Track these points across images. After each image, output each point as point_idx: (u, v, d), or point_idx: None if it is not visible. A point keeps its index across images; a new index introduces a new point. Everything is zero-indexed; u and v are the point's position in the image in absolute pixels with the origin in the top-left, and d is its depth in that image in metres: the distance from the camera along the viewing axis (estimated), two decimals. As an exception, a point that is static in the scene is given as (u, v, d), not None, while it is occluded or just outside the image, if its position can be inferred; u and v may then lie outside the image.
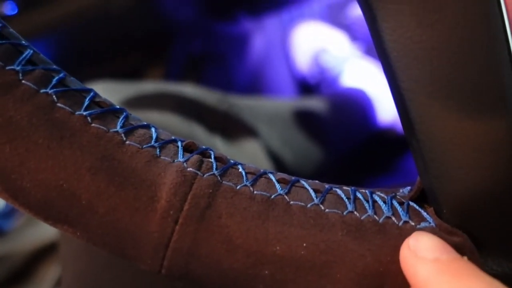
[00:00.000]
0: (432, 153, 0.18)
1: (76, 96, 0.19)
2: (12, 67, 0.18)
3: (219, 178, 0.19)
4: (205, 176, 0.19)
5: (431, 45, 0.16)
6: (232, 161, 0.20)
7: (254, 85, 0.78)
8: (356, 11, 0.84)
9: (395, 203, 0.20)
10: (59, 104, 0.18)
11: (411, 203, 0.20)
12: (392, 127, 0.72)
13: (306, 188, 0.20)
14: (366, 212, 0.19)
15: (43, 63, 0.19)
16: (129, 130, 0.19)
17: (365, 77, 0.74)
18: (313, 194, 0.20)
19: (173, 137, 0.20)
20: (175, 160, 0.19)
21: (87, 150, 0.18)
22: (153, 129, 0.20)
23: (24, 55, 0.18)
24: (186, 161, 0.19)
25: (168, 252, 0.19)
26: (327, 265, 0.18)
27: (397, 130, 0.72)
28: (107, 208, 0.18)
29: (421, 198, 0.20)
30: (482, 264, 0.18)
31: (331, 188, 0.20)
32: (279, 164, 0.50)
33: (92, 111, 0.19)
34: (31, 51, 0.19)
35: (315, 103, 0.63)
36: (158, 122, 0.40)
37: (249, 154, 0.46)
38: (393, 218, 0.19)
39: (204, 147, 0.20)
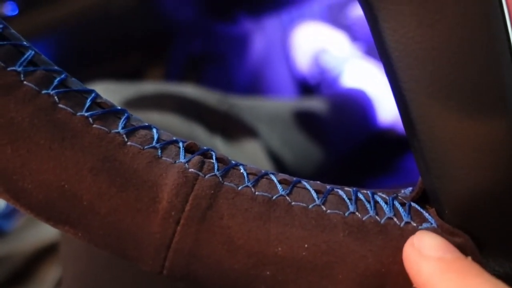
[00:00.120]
0: (433, 153, 0.18)
1: (78, 97, 0.19)
2: (13, 68, 0.18)
3: (220, 179, 0.19)
4: (206, 177, 0.19)
5: (432, 45, 0.16)
6: (233, 162, 0.20)
7: (254, 85, 0.78)
8: (356, 12, 0.84)
9: (396, 204, 0.20)
10: (60, 105, 0.18)
11: (413, 204, 0.20)
12: (392, 127, 0.72)
13: (307, 189, 0.20)
14: (368, 213, 0.19)
15: (45, 64, 0.19)
16: (131, 131, 0.19)
17: (365, 77, 0.75)
18: (314, 195, 0.20)
19: (174, 138, 0.20)
20: (177, 161, 0.19)
21: (89, 151, 0.18)
22: (154, 130, 0.20)
23: (25, 56, 0.18)
24: (187, 162, 0.19)
25: (169, 253, 0.19)
26: (329, 266, 0.18)
27: (397, 130, 0.72)
28: (109, 209, 0.18)
29: (423, 198, 0.20)
30: (483, 264, 0.18)
31: (332, 189, 0.20)
32: (279, 164, 0.50)
33: (94, 112, 0.19)
34: (33, 52, 0.19)
35: (315, 104, 0.63)
36: (159, 122, 0.40)
37: (249, 154, 0.46)
38: (395, 219, 0.19)
39: (205, 148, 0.20)
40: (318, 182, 0.21)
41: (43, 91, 0.18)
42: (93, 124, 0.18)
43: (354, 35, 0.83)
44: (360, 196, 0.20)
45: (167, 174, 0.19)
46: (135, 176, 0.18)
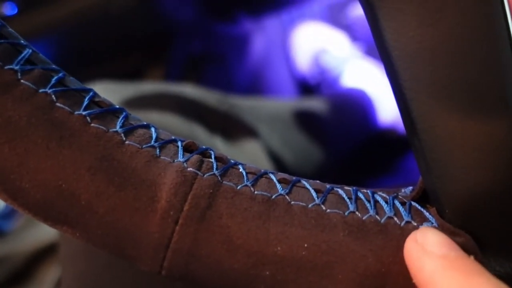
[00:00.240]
0: (434, 152, 0.18)
1: (76, 96, 0.19)
2: (10, 66, 0.18)
3: (219, 178, 0.19)
4: (205, 176, 0.19)
5: (432, 45, 0.16)
6: (232, 161, 0.20)
7: (254, 85, 0.77)
8: (356, 12, 0.84)
9: (397, 203, 0.20)
10: (58, 104, 0.18)
11: (413, 203, 0.20)
12: (393, 127, 0.72)
13: (307, 188, 0.20)
14: (368, 212, 0.19)
15: (42, 63, 0.19)
16: (129, 130, 0.19)
17: (365, 77, 0.74)
18: (314, 194, 0.19)
19: (173, 137, 0.20)
20: (175, 160, 0.19)
21: (87, 150, 0.18)
22: (153, 129, 0.20)
23: (23, 55, 0.18)
24: (186, 161, 0.19)
25: (168, 253, 0.19)
26: (329, 265, 0.18)
27: (398, 130, 0.72)
28: (107, 208, 0.18)
29: (423, 198, 0.20)
30: (485, 264, 0.18)
31: (332, 188, 0.20)
32: (279, 164, 0.50)
33: (92, 111, 0.19)
34: (30, 51, 0.19)
35: (316, 104, 0.63)
36: (158, 122, 0.40)
37: (249, 154, 0.46)
38: (395, 218, 0.19)
39: (204, 147, 0.20)
40: (318, 181, 0.21)
41: (41, 90, 0.18)
42: (91, 123, 0.18)
43: (354, 35, 0.83)
44: (360, 195, 0.20)
45: (165, 173, 0.19)
46: (133, 175, 0.18)
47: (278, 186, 0.19)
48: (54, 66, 0.19)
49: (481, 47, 0.16)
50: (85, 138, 0.18)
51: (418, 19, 0.16)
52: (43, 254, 0.48)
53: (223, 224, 0.18)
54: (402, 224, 0.19)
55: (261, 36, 0.79)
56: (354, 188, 0.20)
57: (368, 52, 0.80)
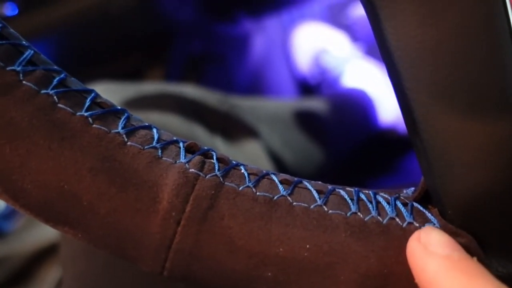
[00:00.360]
0: (436, 153, 0.18)
1: (77, 97, 0.19)
2: (12, 67, 0.18)
3: (221, 179, 0.19)
4: (207, 177, 0.19)
5: (434, 45, 0.16)
6: (234, 162, 0.20)
7: (255, 85, 0.77)
8: (356, 12, 0.84)
9: (399, 204, 0.20)
10: (60, 105, 0.18)
11: (415, 204, 0.20)
12: (393, 127, 0.72)
13: (309, 189, 0.20)
14: (370, 213, 0.19)
15: (44, 64, 0.19)
16: (131, 131, 0.19)
17: (366, 77, 0.74)
18: (316, 195, 0.19)
19: (174, 138, 0.20)
20: (177, 161, 0.19)
21: (88, 151, 0.18)
22: (154, 130, 0.20)
23: (24, 56, 0.18)
24: (188, 162, 0.19)
25: (170, 254, 0.19)
26: (331, 266, 0.18)
27: (398, 130, 0.72)
28: (108, 209, 0.18)
29: (425, 199, 0.20)
30: (487, 265, 0.18)
31: (334, 189, 0.20)
32: (279, 164, 0.50)
33: (93, 112, 0.19)
34: (32, 52, 0.19)
35: (316, 104, 0.63)
36: (159, 122, 0.40)
37: (250, 154, 0.46)
38: (397, 219, 0.19)
39: (206, 148, 0.20)
40: (320, 182, 0.21)
41: (42, 91, 0.18)
42: (92, 124, 0.18)
43: (354, 35, 0.83)
44: (362, 196, 0.20)
45: (167, 174, 0.19)
46: (135, 176, 0.18)
47: (280, 187, 0.19)
48: (55, 67, 0.19)
49: (483, 47, 0.16)
50: (86, 139, 0.18)
51: (419, 19, 0.16)
52: (43, 255, 0.48)
53: (225, 225, 0.18)
54: (404, 225, 0.19)
55: (261, 36, 0.79)
56: (356, 189, 0.20)
57: (369, 52, 0.79)
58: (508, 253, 0.19)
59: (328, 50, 0.80)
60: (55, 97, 0.18)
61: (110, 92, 0.43)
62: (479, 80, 0.16)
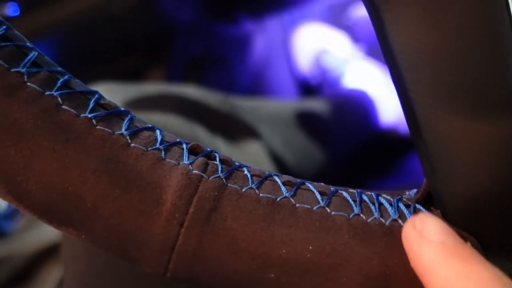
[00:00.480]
0: (439, 154, 0.18)
1: (81, 99, 0.19)
2: (17, 69, 0.18)
3: (224, 181, 0.19)
4: (210, 178, 0.19)
5: (437, 47, 0.16)
6: (237, 164, 0.20)
7: (256, 86, 0.77)
8: (357, 12, 0.84)
9: (401, 205, 0.20)
10: (64, 107, 0.18)
11: (418, 206, 0.20)
12: (394, 128, 0.72)
13: (311, 191, 0.20)
14: (373, 214, 0.19)
15: (48, 65, 0.19)
16: (134, 133, 0.19)
17: (366, 78, 0.74)
18: (319, 196, 0.19)
19: (178, 140, 0.20)
20: (180, 163, 0.19)
21: (92, 152, 0.18)
22: (158, 132, 0.20)
23: (29, 57, 0.18)
24: (191, 163, 0.19)
25: (173, 255, 0.19)
26: (333, 268, 0.18)
27: (399, 131, 0.72)
28: (112, 210, 0.18)
29: (428, 200, 0.20)
30: None
31: (336, 191, 0.20)
32: (281, 165, 0.50)
33: (97, 113, 0.19)
34: (36, 53, 0.19)
35: (317, 105, 0.63)
36: (160, 123, 0.40)
37: (251, 155, 0.46)
38: (400, 221, 0.19)
39: (209, 149, 0.20)
40: (322, 183, 0.21)
41: (47, 92, 0.18)
42: (96, 126, 0.18)
43: (355, 36, 0.83)
44: (365, 198, 0.20)
45: (170, 176, 0.19)
46: (138, 177, 0.18)
47: (283, 188, 0.19)
48: (59, 69, 0.19)
49: (486, 48, 0.16)
50: (90, 140, 0.18)
51: (423, 22, 0.16)
52: (45, 255, 0.48)
53: (228, 227, 0.18)
54: None
55: (262, 37, 0.79)
56: (359, 190, 0.20)
57: (369, 53, 0.80)
58: (508, 253, 0.19)
59: (329, 50, 0.80)
60: (59, 98, 0.18)
61: (112, 92, 0.43)
62: (482, 81, 0.16)
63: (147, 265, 0.19)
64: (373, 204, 0.19)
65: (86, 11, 0.55)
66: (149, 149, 0.19)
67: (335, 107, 0.64)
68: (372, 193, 0.20)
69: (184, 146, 0.20)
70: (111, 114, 0.19)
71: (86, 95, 0.19)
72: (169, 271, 0.19)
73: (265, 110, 0.55)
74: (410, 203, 0.20)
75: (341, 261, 0.18)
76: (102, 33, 0.63)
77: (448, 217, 0.19)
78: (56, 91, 0.18)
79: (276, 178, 0.20)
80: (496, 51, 0.16)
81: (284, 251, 0.18)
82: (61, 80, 0.19)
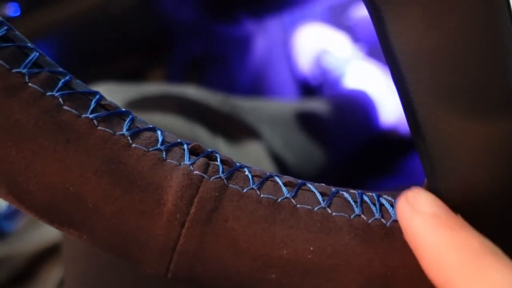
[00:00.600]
0: (440, 155, 0.18)
1: (82, 99, 0.19)
2: (18, 70, 0.18)
3: (225, 181, 0.19)
4: (211, 179, 0.19)
5: (439, 47, 0.16)
6: (238, 164, 0.20)
7: (256, 86, 0.77)
8: (357, 13, 0.84)
9: None
10: (65, 107, 0.18)
11: None
12: (395, 128, 0.72)
13: (312, 191, 0.20)
14: (374, 215, 0.19)
15: (49, 66, 0.19)
16: (135, 133, 0.19)
17: (367, 78, 0.75)
18: (319, 197, 0.19)
19: (179, 140, 0.20)
20: (181, 163, 0.19)
21: (93, 153, 0.18)
22: (159, 132, 0.20)
23: (30, 58, 0.18)
24: (192, 164, 0.19)
25: (174, 256, 0.19)
26: (334, 269, 0.18)
27: (400, 131, 0.72)
28: (113, 211, 0.18)
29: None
30: None
31: (337, 191, 0.20)
32: (281, 165, 0.50)
33: (98, 114, 0.19)
34: (37, 54, 0.19)
35: (317, 105, 0.63)
36: (161, 123, 0.40)
37: (251, 155, 0.46)
38: None
39: (210, 150, 0.20)
40: (323, 184, 0.21)
41: (48, 93, 0.18)
42: (97, 126, 0.18)
43: (355, 36, 0.83)
44: (366, 198, 0.20)
45: (172, 176, 0.19)
46: (139, 178, 0.18)
47: (284, 189, 0.19)
48: (60, 69, 0.19)
49: (487, 49, 0.16)
50: (92, 141, 0.18)
51: (424, 22, 0.16)
52: (45, 255, 0.48)
53: (229, 227, 0.18)
54: None
55: (263, 37, 0.79)
56: (360, 191, 0.20)
57: (370, 53, 0.80)
58: (508, 253, 0.19)
59: (330, 51, 0.80)
60: (60, 99, 0.18)
61: (112, 93, 0.43)
62: (482, 81, 0.16)
63: (148, 266, 0.19)
64: (374, 205, 0.19)
65: (86, 11, 0.56)
66: (150, 149, 0.19)
67: (335, 108, 0.64)
68: (373, 194, 0.20)
69: (185, 146, 0.20)
70: (112, 114, 0.19)
71: (87, 95, 0.19)
72: (170, 272, 0.19)
73: (266, 111, 0.55)
74: None
75: (342, 262, 0.18)
76: (102, 33, 0.63)
77: None
78: (57, 91, 0.18)
79: (277, 179, 0.20)
80: (497, 51, 0.16)
81: (285, 251, 0.18)
82: (62, 80, 0.19)
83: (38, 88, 0.18)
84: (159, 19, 0.69)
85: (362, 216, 0.19)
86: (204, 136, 0.43)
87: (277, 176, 0.20)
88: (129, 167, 0.18)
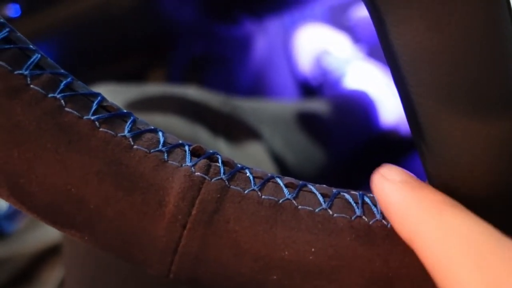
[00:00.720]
0: (441, 157, 0.18)
1: (84, 101, 0.19)
2: (20, 71, 0.18)
3: (226, 183, 0.19)
4: (212, 180, 0.19)
5: (440, 49, 0.16)
6: (239, 165, 0.20)
7: (257, 87, 0.77)
8: (358, 13, 0.84)
9: None
10: (67, 109, 0.18)
11: None
12: (395, 128, 0.72)
13: (314, 193, 0.20)
14: (375, 217, 0.19)
15: (51, 68, 0.19)
16: (137, 135, 0.19)
17: (367, 79, 0.75)
18: (321, 198, 0.20)
19: (180, 141, 0.20)
20: (183, 165, 0.19)
21: (95, 154, 0.18)
22: (160, 133, 0.20)
23: (32, 60, 0.18)
24: (193, 165, 0.19)
25: (176, 257, 0.19)
26: (336, 270, 0.18)
27: (400, 131, 0.72)
28: (115, 212, 0.18)
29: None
30: None
31: (338, 193, 0.20)
32: (282, 166, 0.50)
33: (100, 115, 0.19)
34: (39, 55, 0.19)
35: (318, 105, 0.63)
36: (162, 124, 0.40)
37: (252, 156, 0.46)
38: None
39: (211, 151, 0.20)
40: (324, 185, 0.21)
41: (50, 95, 0.18)
42: (99, 128, 0.18)
43: (356, 37, 0.83)
44: (367, 199, 0.20)
45: (173, 178, 0.19)
46: (141, 179, 0.18)
47: (285, 190, 0.20)
48: (62, 71, 0.19)
49: (488, 50, 0.16)
50: (93, 142, 0.18)
51: (426, 24, 0.16)
52: (46, 255, 0.48)
53: (231, 229, 0.18)
54: None
55: (263, 37, 0.79)
56: (361, 192, 0.20)
57: (370, 54, 0.80)
58: None
59: (330, 51, 0.80)
60: (62, 101, 0.18)
61: (113, 93, 0.43)
62: (483, 82, 0.16)
63: (150, 267, 0.19)
64: (375, 206, 0.20)
65: (86, 12, 0.56)
66: (152, 151, 0.19)
67: (336, 108, 0.64)
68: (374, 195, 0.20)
69: (187, 148, 0.20)
70: (114, 116, 0.19)
71: (89, 97, 0.19)
72: (172, 273, 0.19)
73: (266, 111, 0.55)
74: None
75: (343, 263, 0.18)
76: (102, 34, 0.63)
77: None
78: (59, 93, 0.18)
79: (278, 180, 0.20)
80: (497, 52, 0.16)
81: (286, 253, 0.18)
82: (64, 82, 0.19)
83: (40, 90, 0.18)
84: (160, 20, 0.69)
85: (363, 217, 0.19)
86: (205, 137, 0.43)
87: (278, 177, 0.20)
88: (131, 168, 0.18)
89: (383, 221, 0.19)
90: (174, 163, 0.19)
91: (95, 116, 0.19)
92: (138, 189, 0.18)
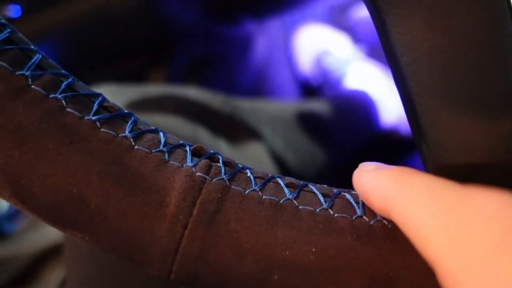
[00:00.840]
0: (442, 157, 0.18)
1: (85, 101, 0.19)
2: (21, 72, 0.18)
3: (227, 183, 0.19)
4: (213, 180, 0.19)
5: (441, 50, 0.16)
6: (240, 166, 0.20)
7: (257, 87, 0.78)
8: (358, 13, 0.84)
9: None
10: (68, 109, 0.18)
11: None
12: (395, 128, 0.72)
13: (314, 193, 0.20)
14: (375, 216, 0.19)
15: (52, 68, 0.19)
16: (138, 135, 0.19)
17: (367, 79, 0.75)
18: (321, 198, 0.20)
19: (181, 142, 0.20)
20: (184, 165, 0.19)
21: (96, 155, 0.18)
22: (161, 134, 0.20)
23: (33, 60, 0.18)
24: (194, 165, 0.19)
25: (177, 257, 0.19)
26: (337, 270, 0.18)
27: (401, 131, 0.72)
28: (116, 213, 0.18)
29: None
30: None
31: (339, 193, 0.20)
32: (282, 166, 0.50)
33: (101, 115, 0.19)
34: (40, 56, 0.19)
35: (318, 105, 0.63)
36: (162, 124, 0.40)
37: (253, 156, 0.46)
38: None
39: (212, 151, 0.20)
40: (325, 185, 0.21)
41: (51, 95, 0.18)
42: (100, 128, 0.18)
43: (356, 37, 0.83)
44: None
45: (174, 178, 0.19)
46: (142, 180, 0.18)
47: (286, 190, 0.20)
48: (63, 71, 0.19)
49: (489, 51, 0.16)
50: (95, 143, 0.18)
51: (427, 25, 0.16)
52: (47, 256, 0.48)
53: (232, 229, 0.19)
54: None
55: (263, 38, 0.79)
56: (361, 192, 0.20)
57: (370, 54, 0.80)
58: None
59: (330, 51, 0.80)
60: (63, 101, 0.18)
61: (114, 94, 0.43)
62: (484, 83, 0.16)
63: (151, 268, 0.19)
64: None
65: (87, 12, 0.56)
66: (153, 151, 0.19)
67: (336, 108, 0.64)
68: None
69: (187, 148, 0.20)
70: (115, 116, 0.19)
71: (90, 97, 0.19)
72: (173, 273, 0.19)
73: (267, 111, 0.55)
74: None
75: (344, 263, 0.18)
76: (103, 35, 0.63)
77: None
78: (60, 93, 0.18)
79: (279, 180, 0.20)
80: (497, 52, 0.16)
81: (287, 253, 0.18)
82: (65, 82, 0.19)
83: (41, 90, 0.18)
84: (160, 20, 0.69)
85: (364, 217, 0.19)
86: (205, 137, 0.43)
87: (279, 177, 0.20)
88: (132, 169, 0.18)
89: (384, 221, 0.19)
90: (175, 163, 0.19)
91: (96, 117, 0.19)
92: (139, 189, 0.18)
